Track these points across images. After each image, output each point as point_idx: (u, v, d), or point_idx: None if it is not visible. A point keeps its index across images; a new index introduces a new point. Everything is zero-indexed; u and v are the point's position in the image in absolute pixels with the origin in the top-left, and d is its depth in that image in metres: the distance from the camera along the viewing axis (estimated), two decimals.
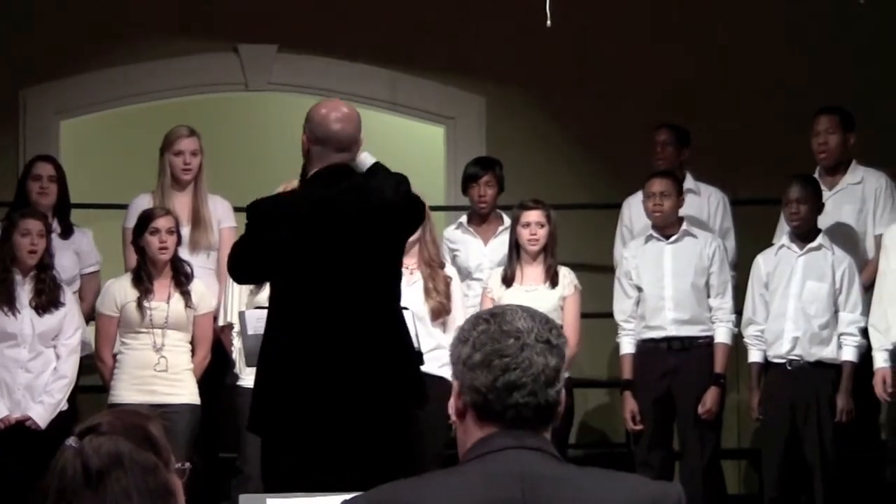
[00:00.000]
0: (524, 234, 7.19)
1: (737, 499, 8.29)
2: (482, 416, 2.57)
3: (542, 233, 7.18)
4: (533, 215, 7.19)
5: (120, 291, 6.90)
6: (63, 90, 8.88)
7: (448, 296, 6.99)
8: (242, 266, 5.12)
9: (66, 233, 7.27)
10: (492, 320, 2.59)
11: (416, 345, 5.32)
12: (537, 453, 2.54)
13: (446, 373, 6.40)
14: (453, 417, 2.65)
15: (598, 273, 7.99)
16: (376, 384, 4.95)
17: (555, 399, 2.57)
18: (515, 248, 7.23)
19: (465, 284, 7.42)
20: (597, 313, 7.63)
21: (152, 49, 8.87)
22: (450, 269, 7.18)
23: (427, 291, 6.91)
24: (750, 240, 7.74)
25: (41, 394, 6.79)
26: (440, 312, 6.93)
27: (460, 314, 6.87)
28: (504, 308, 2.63)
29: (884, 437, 7.19)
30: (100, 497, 2.43)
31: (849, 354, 6.98)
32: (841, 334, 7.00)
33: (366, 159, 5.14)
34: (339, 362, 4.92)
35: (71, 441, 2.48)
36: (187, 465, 2.59)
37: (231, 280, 6.27)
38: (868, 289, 7.04)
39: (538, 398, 2.55)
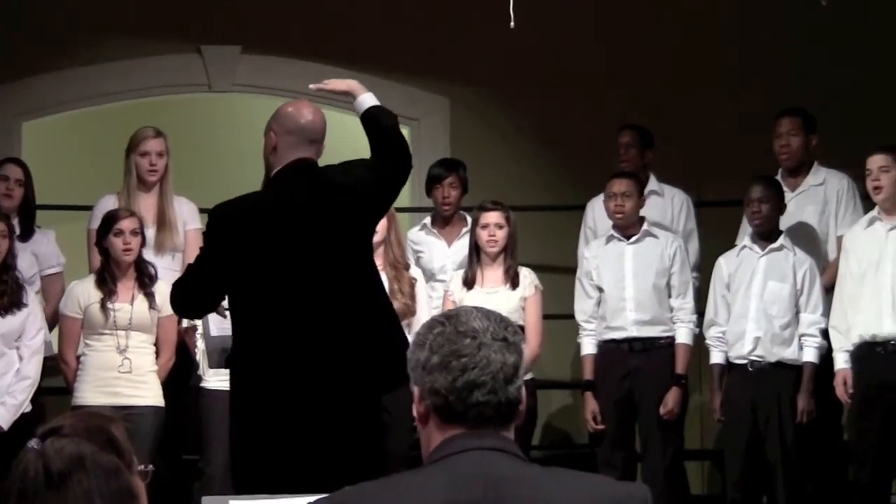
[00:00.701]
0: (483, 235, 7.17)
1: (700, 499, 8.31)
2: (444, 419, 2.57)
3: (500, 234, 7.15)
4: (492, 216, 7.17)
5: (83, 293, 6.87)
6: (24, 91, 8.83)
7: (413, 297, 6.99)
8: (196, 287, 5.09)
9: (26, 235, 7.23)
10: (447, 322, 2.60)
11: None
12: (500, 454, 2.54)
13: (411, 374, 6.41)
14: (417, 422, 2.65)
15: (561, 275, 7.99)
16: (360, 368, 4.96)
17: (515, 396, 2.58)
18: (475, 250, 7.20)
19: (429, 286, 7.41)
20: (560, 314, 7.64)
21: (115, 50, 8.83)
22: (415, 271, 7.17)
23: (392, 293, 6.88)
24: (714, 242, 7.75)
25: (4, 395, 6.75)
26: (405, 314, 6.90)
27: (425, 316, 6.85)
28: (459, 309, 2.64)
29: (846, 437, 7.22)
30: (61, 499, 2.42)
31: (809, 355, 7.01)
32: (802, 335, 7.03)
33: (365, 100, 5.22)
34: (323, 349, 4.93)
35: (32, 443, 2.47)
36: (150, 467, 2.58)
37: None
38: (829, 290, 7.06)
39: (498, 396, 2.56)
